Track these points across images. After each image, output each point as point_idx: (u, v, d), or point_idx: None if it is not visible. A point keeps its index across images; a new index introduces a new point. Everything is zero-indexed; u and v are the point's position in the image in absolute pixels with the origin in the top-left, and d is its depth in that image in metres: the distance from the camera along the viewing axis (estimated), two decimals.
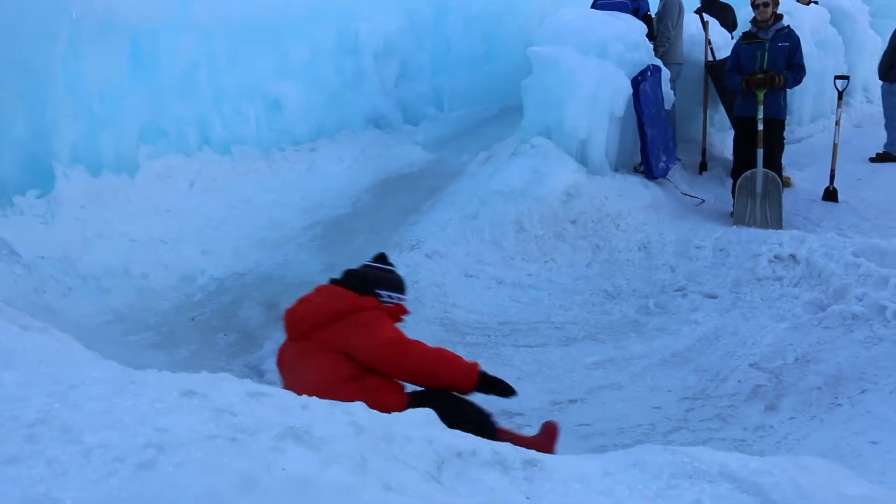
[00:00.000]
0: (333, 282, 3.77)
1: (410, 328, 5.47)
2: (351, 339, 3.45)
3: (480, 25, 10.31)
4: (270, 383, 4.82)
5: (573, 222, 6.64)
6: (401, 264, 6.23)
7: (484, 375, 3.56)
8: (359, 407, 1.73)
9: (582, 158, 7.19)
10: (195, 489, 1.31)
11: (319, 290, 3.74)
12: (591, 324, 5.65)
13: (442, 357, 3.54)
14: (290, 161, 8.10)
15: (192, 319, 5.84)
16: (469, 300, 5.85)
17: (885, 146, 9.82)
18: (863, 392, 4.72)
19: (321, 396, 3.16)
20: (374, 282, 3.72)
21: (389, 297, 3.76)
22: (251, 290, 6.19)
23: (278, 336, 5.48)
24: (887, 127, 9.86)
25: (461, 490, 1.51)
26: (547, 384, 4.87)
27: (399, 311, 3.79)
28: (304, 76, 8.43)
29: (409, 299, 5.74)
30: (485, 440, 1.76)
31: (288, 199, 7.48)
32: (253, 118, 8.02)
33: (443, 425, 1.81)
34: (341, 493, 1.36)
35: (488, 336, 5.43)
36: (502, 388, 3.59)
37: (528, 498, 1.55)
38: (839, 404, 4.67)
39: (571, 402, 4.75)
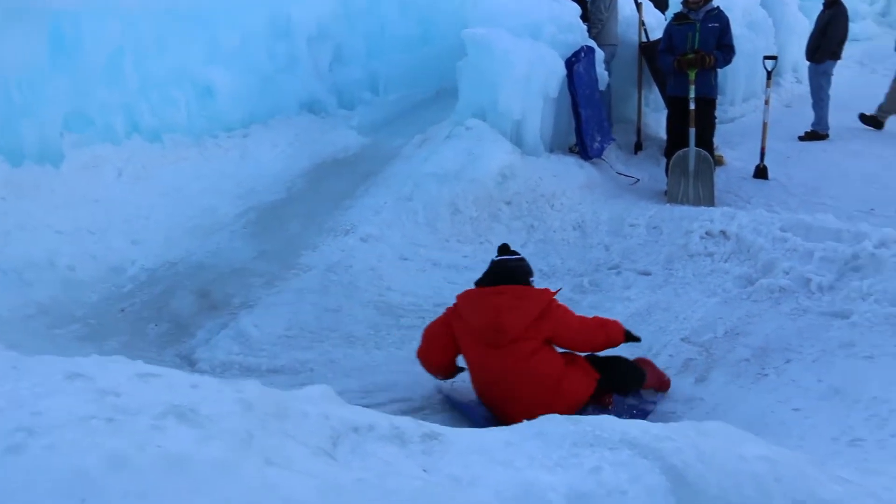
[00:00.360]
0: (498, 282, 4.14)
1: (345, 312, 5.47)
2: (558, 329, 4.00)
3: (416, 8, 10.24)
4: (202, 372, 4.75)
5: (508, 203, 6.65)
6: (335, 249, 6.21)
7: (627, 331, 4.34)
8: (251, 384, 1.69)
9: (517, 140, 7.21)
10: (62, 471, 1.25)
11: (499, 292, 4.05)
12: None
13: (607, 324, 4.28)
14: (223, 148, 7.94)
15: (122, 311, 5.69)
16: (404, 283, 5.82)
17: (813, 125, 10.05)
18: (788, 362, 4.82)
19: (558, 388, 3.92)
20: (528, 272, 4.27)
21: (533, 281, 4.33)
22: (183, 280, 6.06)
23: (210, 325, 5.42)
24: (814, 106, 10.10)
25: (354, 464, 1.48)
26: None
27: None
28: (235, 61, 8.25)
29: (343, 282, 5.74)
30: (384, 416, 1.73)
31: (221, 187, 7.34)
32: (183, 105, 7.82)
33: (341, 400, 1.78)
34: (218, 469, 1.31)
35: (423, 318, 5.38)
36: (635, 337, 4.42)
37: (425, 470, 1.53)
38: (766, 374, 4.76)
39: None
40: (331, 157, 8.36)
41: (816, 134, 9.93)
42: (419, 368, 4.48)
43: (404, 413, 3.05)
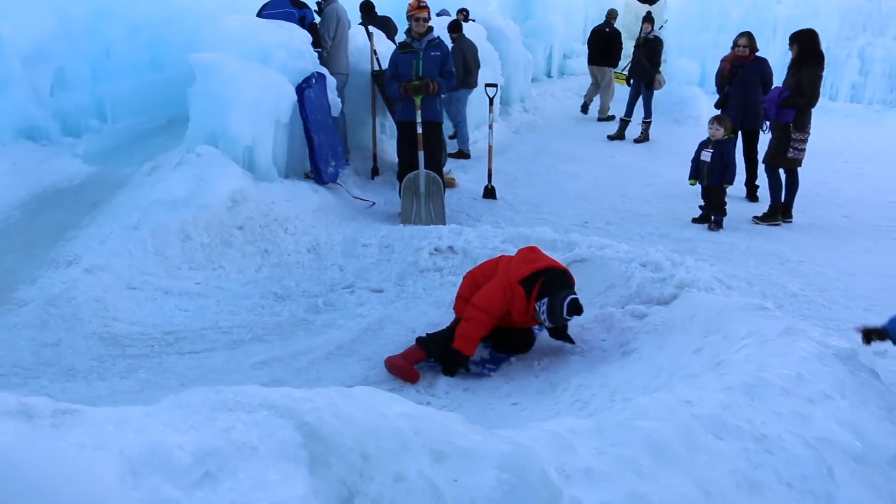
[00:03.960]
0: None
1: (65, 345, 5.24)
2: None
3: (144, 31, 10.01)
4: None
5: (240, 228, 6.71)
6: (56, 281, 5.93)
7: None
8: None
9: (249, 165, 7.29)
10: None
11: None
12: (260, 326, 5.76)
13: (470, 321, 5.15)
14: None
15: None
16: (132, 312, 5.69)
17: (458, 144, 11.05)
18: (510, 363, 5.32)
19: None
20: None
21: None
22: None
23: None
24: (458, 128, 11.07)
25: None
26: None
27: None
28: None
29: (65, 315, 5.49)
30: (15, 396, 1.77)
31: None
32: None
33: None
34: None
35: (152, 346, 5.33)
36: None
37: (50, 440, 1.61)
38: (489, 376, 5.22)
39: None
40: (53, 186, 7.92)
41: (462, 153, 10.92)
42: (144, 396, 4.44)
43: None
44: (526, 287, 5.06)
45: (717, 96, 9.79)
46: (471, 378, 5.18)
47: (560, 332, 5.37)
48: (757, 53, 9.41)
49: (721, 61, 9.72)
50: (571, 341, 5.37)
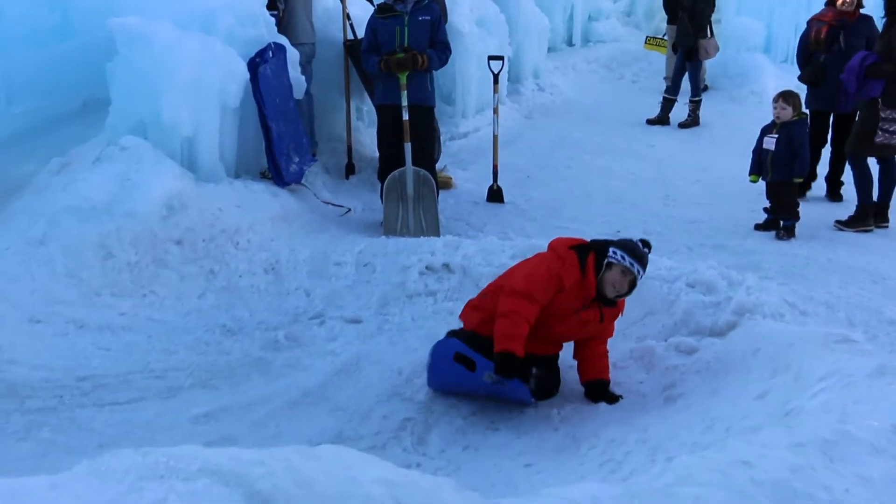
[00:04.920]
0: None
1: None
2: None
3: None
4: None
5: (178, 243, 6.75)
6: None
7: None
8: None
9: (189, 162, 7.35)
10: None
11: None
12: (203, 368, 5.78)
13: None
14: None
15: None
16: (35, 353, 5.71)
17: None
18: (522, 412, 5.34)
19: None
20: None
21: None
22: None
23: None
24: None
25: None
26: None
27: None
28: None
29: None
30: None
31: None
32: None
33: None
34: None
35: (61, 397, 5.33)
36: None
37: None
38: (497, 429, 5.24)
39: None
40: None
41: None
42: (49, 462, 4.46)
43: None
44: (579, 252, 5.23)
45: (793, 67, 9.76)
46: (472, 432, 5.21)
47: (601, 390, 5.39)
48: (862, 10, 9.38)
49: (812, 21, 9.68)
50: (615, 399, 5.37)
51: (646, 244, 5.29)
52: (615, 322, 5.54)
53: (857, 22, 9.20)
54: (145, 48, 7.25)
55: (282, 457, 2.14)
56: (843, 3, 9.18)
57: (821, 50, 9.33)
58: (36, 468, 4.47)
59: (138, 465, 2.04)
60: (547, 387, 5.42)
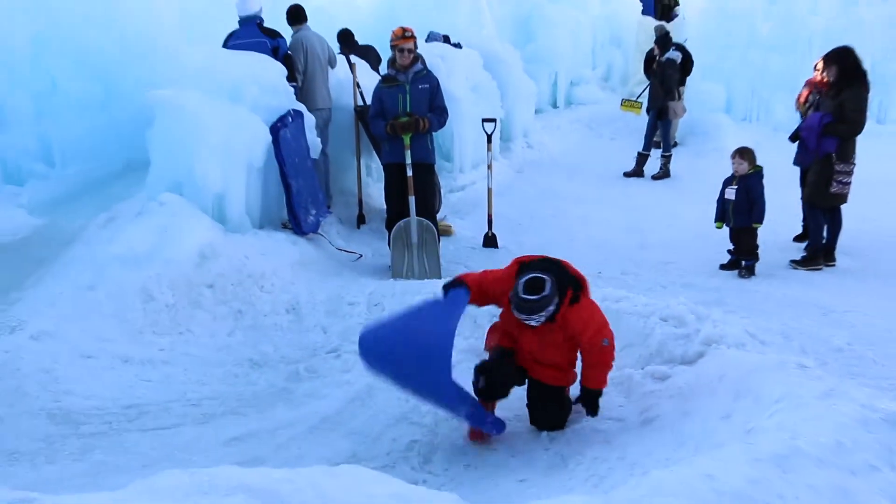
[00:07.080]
0: None
1: (7, 425, 5.32)
2: None
3: (94, 63, 9.99)
4: None
5: (211, 286, 6.85)
6: None
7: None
8: None
9: (219, 215, 7.47)
10: None
11: None
12: (234, 397, 5.86)
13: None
14: None
15: None
16: (87, 385, 5.79)
17: None
18: (515, 435, 5.41)
19: None
20: None
21: None
22: None
23: None
24: None
25: None
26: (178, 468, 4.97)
27: None
28: None
29: (7, 389, 5.58)
30: None
31: None
32: None
33: None
34: None
35: (110, 423, 5.42)
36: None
37: None
38: (494, 449, 5.31)
39: None
40: None
41: None
42: (101, 480, 4.52)
43: None
44: (519, 268, 5.46)
45: (751, 124, 9.79)
46: (472, 452, 5.27)
47: (581, 393, 5.40)
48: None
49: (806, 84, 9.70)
50: (591, 408, 5.38)
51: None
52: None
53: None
54: (180, 116, 7.40)
55: (307, 475, 2.23)
56: (818, 73, 9.10)
57: (802, 111, 9.48)
58: (90, 486, 4.55)
59: (185, 484, 2.12)
60: (494, 385, 5.28)
